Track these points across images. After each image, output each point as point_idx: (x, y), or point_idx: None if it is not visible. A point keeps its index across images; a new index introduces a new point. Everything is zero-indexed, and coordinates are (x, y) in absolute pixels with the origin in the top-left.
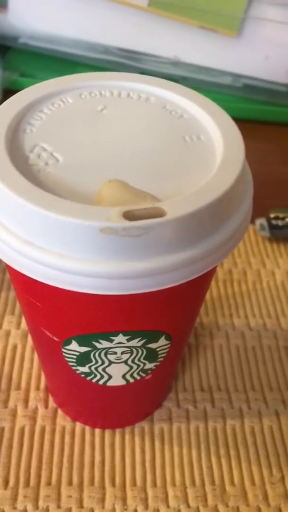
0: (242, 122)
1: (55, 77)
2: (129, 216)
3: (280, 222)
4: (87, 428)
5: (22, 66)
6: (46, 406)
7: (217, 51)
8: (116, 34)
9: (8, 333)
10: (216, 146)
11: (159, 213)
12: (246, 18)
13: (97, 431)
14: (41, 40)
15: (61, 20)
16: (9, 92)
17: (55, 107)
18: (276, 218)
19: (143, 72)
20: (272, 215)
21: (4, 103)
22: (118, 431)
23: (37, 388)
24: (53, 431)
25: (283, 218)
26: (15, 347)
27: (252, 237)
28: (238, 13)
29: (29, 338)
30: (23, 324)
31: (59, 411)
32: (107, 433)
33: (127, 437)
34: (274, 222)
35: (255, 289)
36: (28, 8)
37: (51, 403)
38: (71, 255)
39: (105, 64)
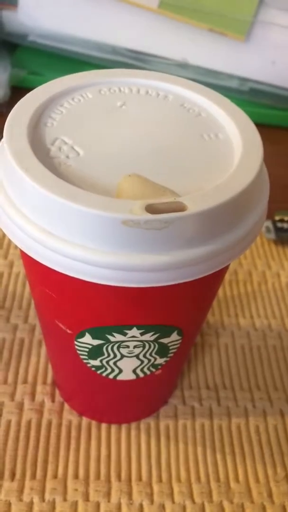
0: None
1: (63, 76)
2: (151, 209)
3: (285, 225)
4: (94, 423)
5: (31, 64)
6: (53, 400)
7: (225, 54)
8: (125, 34)
9: (15, 327)
10: (235, 144)
11: (181, 208)
12: (255, 23)
13: (103, 425)
14: (50, 38)
15: (70, 19)
16: (17, 89)
17: (75, 102)
18: (281, 220)
19: None
20: (277, 218)
21: (25, 97)
22: (124, 426)
23: (44, 382)
24: (59, 425)
25: None
26: (22, 341)
27: (257, 239)
28: (247, 17)
29: (36, 332)
30: (31, 318)
31: (66, 405)
32: (113, 428)
33: (133, 432)
34: (279, 224)
35: (260, 290)
36: (38, 7)
37: (58, 397)
38: (92, 247)
39: (113, 64)
